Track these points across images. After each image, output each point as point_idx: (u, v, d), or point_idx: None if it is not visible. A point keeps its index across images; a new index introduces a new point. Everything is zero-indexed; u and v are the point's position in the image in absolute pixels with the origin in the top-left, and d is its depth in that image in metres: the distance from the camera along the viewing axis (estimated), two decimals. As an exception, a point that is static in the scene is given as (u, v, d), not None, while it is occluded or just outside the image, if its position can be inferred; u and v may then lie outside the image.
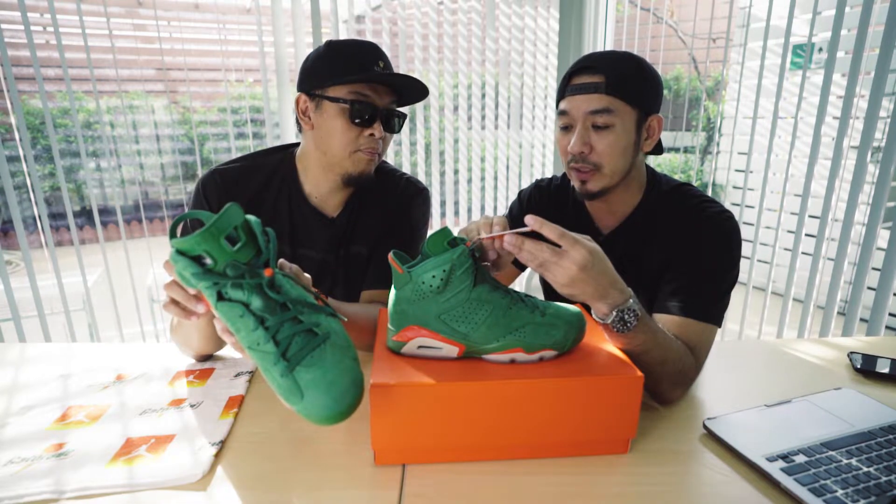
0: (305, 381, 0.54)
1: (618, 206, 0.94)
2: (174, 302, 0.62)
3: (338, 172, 0.94)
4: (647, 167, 0.95)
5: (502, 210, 2.55)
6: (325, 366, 0.55)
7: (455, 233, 0.67)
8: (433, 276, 0.63)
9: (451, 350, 0.65)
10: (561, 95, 0.88)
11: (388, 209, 1.02)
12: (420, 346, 0.65)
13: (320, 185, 0.97)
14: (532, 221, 0.62)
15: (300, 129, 0.96)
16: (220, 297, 0.56)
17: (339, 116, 0.89)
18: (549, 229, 0.63)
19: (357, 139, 0.90)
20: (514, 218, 1.08)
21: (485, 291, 0.65)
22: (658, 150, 0.93)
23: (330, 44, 0.91)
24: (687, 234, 0.86)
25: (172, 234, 0.59)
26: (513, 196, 2.52)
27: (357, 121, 0.89)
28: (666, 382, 0.74)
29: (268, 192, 0.98)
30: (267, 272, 0.56)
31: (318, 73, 0.90)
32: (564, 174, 1.06)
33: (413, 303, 0.65)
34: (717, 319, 0.82)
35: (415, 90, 0.92)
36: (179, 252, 0.54)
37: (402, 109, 0.96)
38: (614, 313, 0.66)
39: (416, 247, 1.03)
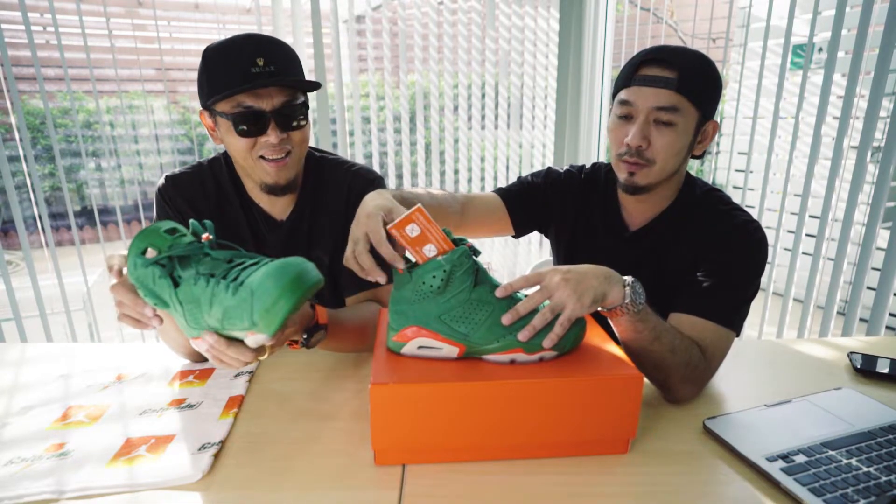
0: (255, 280, 0.56)
1: (651, 205, 0.94)
2: (121, 304, 0.65)
3: (257, 182, 0.90)
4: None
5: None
6: (269, 264, 0.57)
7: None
8: (434, 277, 0.63)
9: (451, 350, 0.65)
10: (625, 84, 0.85)
11: (340, 208, 0.96)
12: (420, 347, 0.65)
13: (256, 191, 0.94)
14: (502, 293, 0.66)
15: None
16: (176, 284, 0.60)
17: (230, 131, 0.84)
18: (517, 284, 0.66)
19: (255, 149, 0.85)
20: (540, 186, 1.04)
21: (485, 292, 0.65)
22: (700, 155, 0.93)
23: (206, 51, 0.84)
24: (715, 239, 0.86)
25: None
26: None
27: (244, 133, 0.83)
28: (675, 375, 0.74)
29: (221, 199, 0.96)
30: (204, 237, 0.62)
31: (202, 87, 0.85)
32: (594, 166, 1.05)
33: (413, 303, 0.65)
34: (734, 326, 0.82)
35: (301, 75, 0.87)
36: (130, 255, 0.62)
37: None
38: (627, 289, 0.67)
39: None
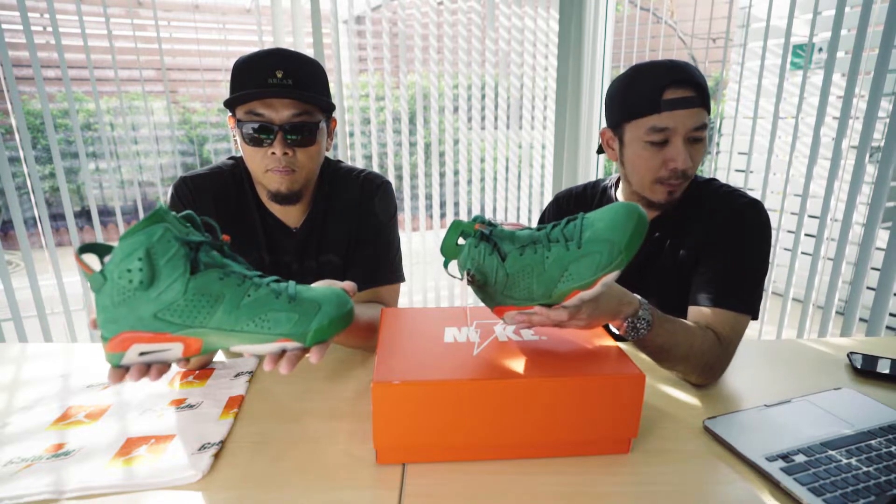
0: (312, 296, 0.57)
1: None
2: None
3: (265, 191, 0.92)
4: None
5: (501, 210, 2.55)
6: (327, 289, 0.59)
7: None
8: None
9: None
10: (654, 109, 0.82)
11: (352, 213, 1.00)
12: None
13: (268, 200, 0.95)
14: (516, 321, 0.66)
15: None
16: (195, 269, 0.52)
17: (242, 138, 0.86)
18: (544, 320, 0.64)
19: (263, 159, 0.86)
20: (544, 219, 1.11)
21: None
22: None
23: (236, 60, 0.87)
24: (717, 224, 0.88)
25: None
26: (512, 196, 2.53)
27: (251, 142, 0.85)
28: (692, 374, 0.79)
29: (241, 203, 0.96)
30: (224, 237, 0.58)
31: (229, 93, 0.86)
32: (585, 186, 1.07)
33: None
34: (749, 308, 0.83)
35: (321, 94, 0.87)
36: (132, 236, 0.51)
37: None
38: (626, 323, 0.70)
39: (386, 243, 1.02)
